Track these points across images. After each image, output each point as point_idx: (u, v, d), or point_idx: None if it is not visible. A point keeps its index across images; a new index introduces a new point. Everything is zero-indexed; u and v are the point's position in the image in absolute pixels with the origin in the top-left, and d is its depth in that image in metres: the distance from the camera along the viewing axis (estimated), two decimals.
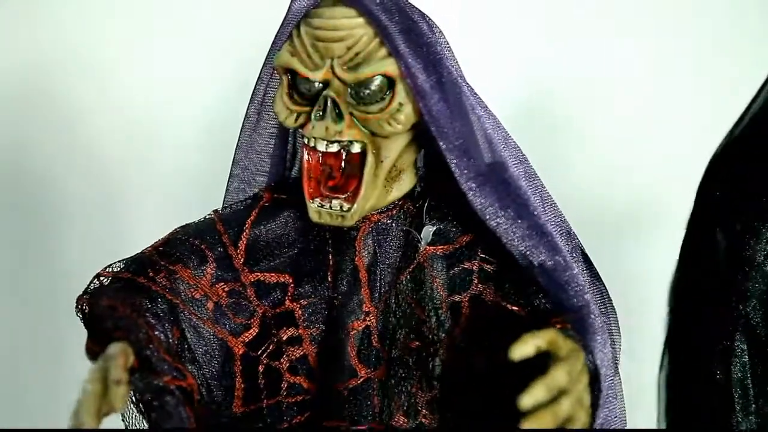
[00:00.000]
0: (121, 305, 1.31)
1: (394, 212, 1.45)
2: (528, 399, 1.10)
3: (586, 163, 2.21)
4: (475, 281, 1.45)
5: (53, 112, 2.20)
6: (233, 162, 1.54)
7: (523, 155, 1.45)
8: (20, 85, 2.15)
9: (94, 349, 1.25)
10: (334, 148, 1.36)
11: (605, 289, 1.47)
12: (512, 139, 1.44)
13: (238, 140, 1.52)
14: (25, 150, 2.19)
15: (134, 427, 1.31)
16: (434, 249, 1.45)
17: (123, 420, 1.34)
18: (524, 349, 1.14)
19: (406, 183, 1.45)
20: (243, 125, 1.51)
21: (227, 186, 1.56)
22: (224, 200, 1.56)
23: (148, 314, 1.35)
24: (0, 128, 2.19)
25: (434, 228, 1.45)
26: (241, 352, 1.41)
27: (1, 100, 2.15)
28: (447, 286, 1.44)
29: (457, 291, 1.44)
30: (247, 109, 1.50)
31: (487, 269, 1.45)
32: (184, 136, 2.19)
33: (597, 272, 1.47)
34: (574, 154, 2.21)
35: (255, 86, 1.48)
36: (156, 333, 1.33)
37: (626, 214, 2.20)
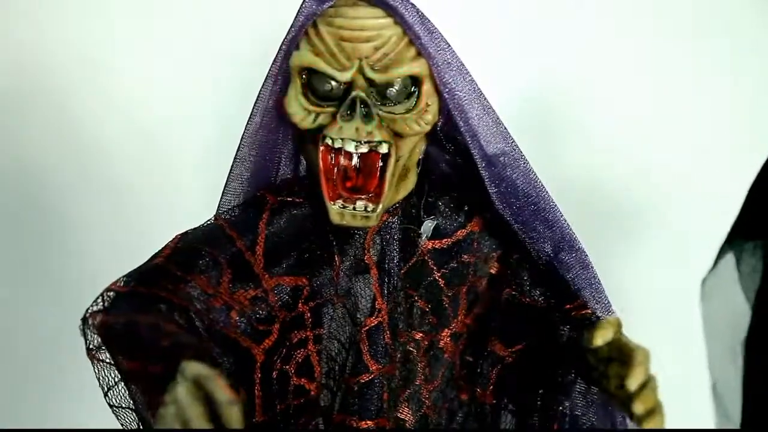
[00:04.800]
0: (165, 322, 1.26)
1: (398, 210, 1.45)
2: (633, 382, 1.16)
3: (579, 162, 2.24)
4: (471, 274, 1.49)
5: (55, 112, 2.06)
6: (234, 163, 1.49)
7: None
8: (21, 84, 1.98)
9: (152, 370, 1.19)
10: (365, 148, 1.34)
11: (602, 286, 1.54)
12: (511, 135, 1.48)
13: (241, 141, 1.46)
14: (26, 151, 2.03)
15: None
16: (433, 243, 1.47)
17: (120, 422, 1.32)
18: (607, 334, 1.20)
19: (410, 182, 1.46)
20: (246, 126, 1.45)
21: (225, 187, 1.50)
22: (221, 202, 1.50)
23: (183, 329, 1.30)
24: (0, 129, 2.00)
25: (433, 223, 1.47)
26: (261, 360, 1.38)
27: (1, 99, 1.97)
28: (447, 279, 1.47)
29: (456, 283, 1.47)
30: (252, 109, 1.44)
31: (482, 263, 1.50)
32: (188, 137, 2.09)
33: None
34: (566, 153, 2.23)
35: (262, 87, 1.43)
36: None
37: (619, 215, 2.23)
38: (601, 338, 1.19)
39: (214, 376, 1.04)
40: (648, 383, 1.17)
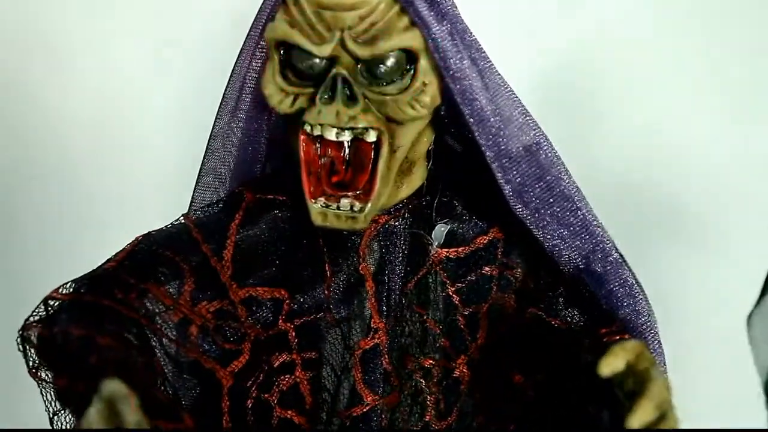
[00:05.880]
0: (99, 335, 1.12)
1: (403, 212, 1.28)
2: (635, 419, 0.99)
3: (613, 155, 2.07)
4: (494, 289, 1.31)
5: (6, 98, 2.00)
6: (206, 153, 1.35)
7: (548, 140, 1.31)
8: None
9: (76, 388, 1.07)
10: (347, 136, 1.17)
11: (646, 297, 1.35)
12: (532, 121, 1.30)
13: (213, 128, 1.33)
14: None
15: None
16: (448, 252, 1.29)
17: None
18: (616, 363, 1.02)
19: (416, 178, 1.29)
20: (219, 110, 1.31)
21: (198, 181, 1.37)
22: (193, 198, 1.38)
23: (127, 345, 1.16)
24: None
25: (447, 227, 1.30)
26: (229, 385, 1.23)
27: None
28: (463, 295, 1.29)
29: (475, 300, 1.29)
30: (225, 91, 1.30)
31: (507, 276, 1.32)
32: (154, 123, 1.99)
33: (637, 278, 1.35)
34: (598, 145, 2.06)
35: (235, 65, 1.28)
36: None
37: (655, 214, 2.07)
38: (607, 367, 1.01)
39: (127, 396, 0.91)
40: (661, 422, 1.00)
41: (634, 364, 1.03)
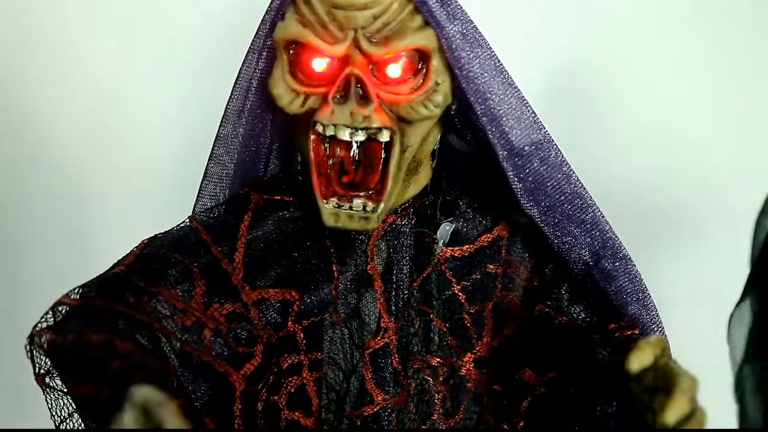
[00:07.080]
0: (118, 340, 1.10)
1: (409, 211, 1.28)
2: (671, 414, 0.98)
3: (620, 155, 2.06)
4: (499, 287, 1.31)
5: (6, 97, 1.94)
6: (211, 157, 1.33)
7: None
8: None
9: (101, 395, 1.03)
10: (360, 136, 1.16)
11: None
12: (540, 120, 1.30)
13: (218, 131, 1.31)
14: None
15: None
16: (452, 250, 1.29)
17: None
18: (644, 358, 1.01)
19: (423, 177, 1.29)
20: (225, 112, 1.29)
21: (202, 185, 1.34)
22: (197, 201, 1.35)
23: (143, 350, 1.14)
24: None
25: (452, 226, 1.30)
26: (241, 388, 1.21)
27: None
28: (469, 293, 1.29)
29: (480, 298, 1.29)
30: (232, 91, 1.28)
31: (511, 274, 1.32)
32: (155, 122, 1.95)
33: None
34: (605, 144, 2.05)
35: (243, 64, 1.26)
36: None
37: (655, 214, 2.06)
38: (637, 362, 1.00)
39: (165, 402, 0.89)
40: (692, 417, 0.99)
41: (657, 359, 1.04)
